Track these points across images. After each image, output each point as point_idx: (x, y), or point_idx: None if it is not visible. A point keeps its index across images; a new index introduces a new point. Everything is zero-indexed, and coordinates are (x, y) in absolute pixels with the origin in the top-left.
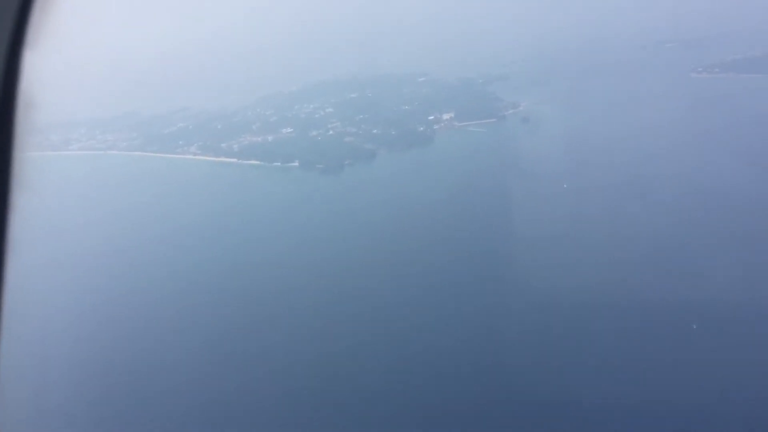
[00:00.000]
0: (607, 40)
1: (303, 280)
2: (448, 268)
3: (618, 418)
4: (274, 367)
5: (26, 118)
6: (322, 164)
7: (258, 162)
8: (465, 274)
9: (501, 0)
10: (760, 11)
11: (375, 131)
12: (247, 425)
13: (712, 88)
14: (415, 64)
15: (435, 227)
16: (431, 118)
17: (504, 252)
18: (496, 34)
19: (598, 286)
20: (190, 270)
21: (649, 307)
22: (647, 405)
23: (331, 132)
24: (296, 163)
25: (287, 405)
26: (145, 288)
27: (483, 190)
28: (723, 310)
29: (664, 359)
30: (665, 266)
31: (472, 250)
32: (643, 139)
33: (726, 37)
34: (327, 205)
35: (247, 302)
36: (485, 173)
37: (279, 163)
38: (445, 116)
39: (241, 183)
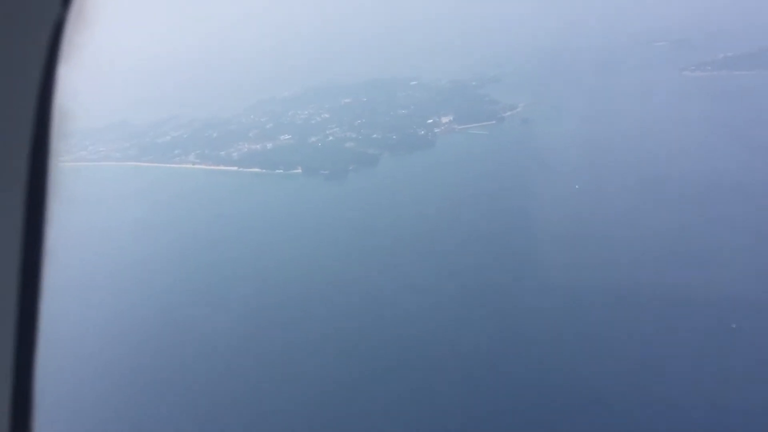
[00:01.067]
0: (595, 40)
1: (323, 284)
2: (462, 272)
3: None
4: (287, 373)
5: (61, 130)
6: (327, 170)
7: (260, 170)
8: (478, 277)
9: (489, 2)
10: (747, 10)
11: (375, 136)
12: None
13: (707, 85)
14: (406, 68)
15: (447, 230)
16: (430, 121)
17: (519, 254)
18: (484, 37)
19: (616, 286)
20: (208, 279)
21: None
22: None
23: (330, 138)
24: (299, 170)
25: (307, 413)
26: (159, 300)
27: (492, 192)
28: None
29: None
30: (683, 263)
31: (485, 252)
32: (646, 138)
33: (713, 35)
34: (336, 211)
35: (265, 308)
36: (493, 175)
37: (281, 170)
38: (444, 119)
39: (248, 191)
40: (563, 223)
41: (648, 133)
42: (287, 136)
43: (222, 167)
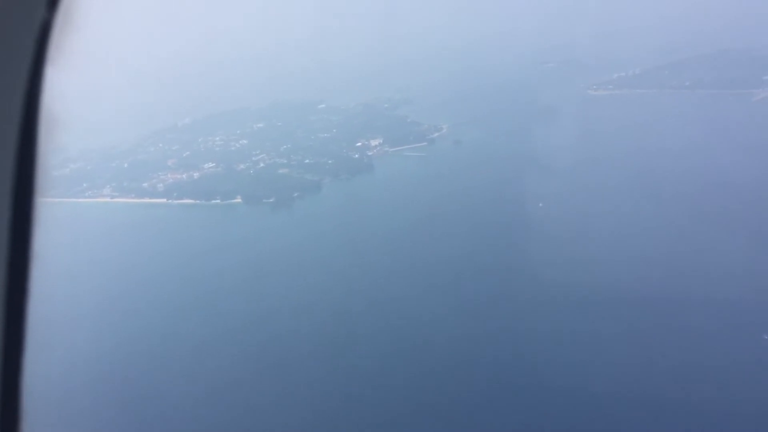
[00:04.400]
0: (485, 62)
1: (299, 311)
2: (439, 290)
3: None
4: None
5: (48, 133)
6: (270, 198)
7: (193, 201)
8: (454, 295)
9: (377, 26)
10: (626, 32)
11: (308, 161)
12: None
13: (614, 102)
14: (306, 91)
15: (414, 251)
16: (359, 144)
17: (492, 271)
18: (378, 60)
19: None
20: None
21: None
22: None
23: (261, 164)
24: (239, 200)
25: None
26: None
27: (453, 212)
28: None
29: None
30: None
31: (462, 269)
32: (585, 152)
33: (594, 57)
34: (295, 240)
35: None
36: (447, 196)
37: (219, 201)
38: (374, 142)
39: (193, 224)
40: (533, 239)
41: (584, 147)
42: (211, 164)
43: (148, 200)
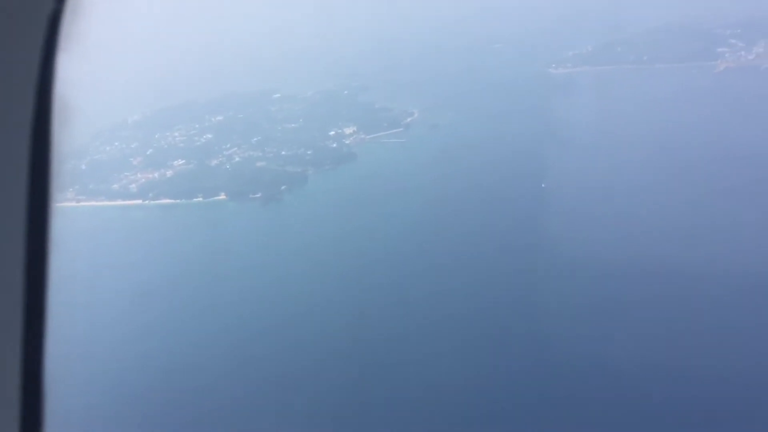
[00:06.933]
0: (435, 44)
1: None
2: (457, 277)
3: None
4: None
5: (63, 122)
6: (257, 193)
7: (172, 200)
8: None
9: (321, 13)
10: (568, 9)
11: (284, 153)
12: None
13: (577, 79)
14: (256, 80)
15: (423, 238)
16: (332, 133)
17: (514, 253)
18: (321, 47)
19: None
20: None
21: None
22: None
23: (237, 159)
24: (223, 196)
25: None
26: None
27: (451, 198)
28: None
29: None
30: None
31: (482, 256)
32: (568, 132)
33: (546, 36)
34: (299, 234)
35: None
36: (445, 180)
37: (201, 198)
38: (348, 130)
39: (183, 224)
40: (543, 220)
41: (569, 125)
42: (181, 161)
43: (121, 202)
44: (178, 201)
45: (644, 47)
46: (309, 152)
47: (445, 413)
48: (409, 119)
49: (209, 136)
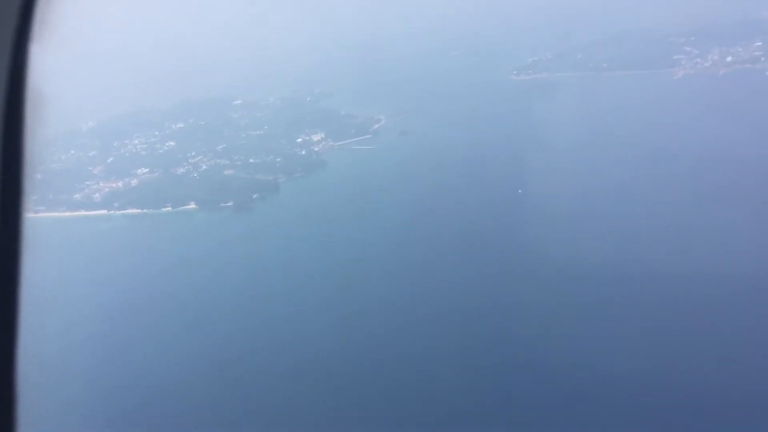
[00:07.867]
0: (391, 52)
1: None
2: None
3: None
4: None
5: (35, 113)
6: (228, 202)
7: (139, 210)
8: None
9: (276, 21)
10: (521, 17)
11: (252, 160)
12: None
13: (541, 86)
14: (211, 89)
15: (399, 246)
16: (300, 140)
17: (498, 259)
18: (280, 53)
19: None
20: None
21: None
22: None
23: (203, 167)
24: (193, 205)
25: None
26: None
27: (421, 205)
28: None
29: None
30: None
31: (466, 261)
32: (534, 137)
33: (502, 44)
34: (272, 243)
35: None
36: (412, 189)
37: (170, 208)
38: (315, 137)
39: (154, 235)
40: (525, 224)
41: (538, 131)
42: (145, 170)
43: (84, 212)
44: (145, 211)
45: (603, 54)
46: (278, 160)
47: (426, 417)
48: (376, 126)
49: (172, 143)
